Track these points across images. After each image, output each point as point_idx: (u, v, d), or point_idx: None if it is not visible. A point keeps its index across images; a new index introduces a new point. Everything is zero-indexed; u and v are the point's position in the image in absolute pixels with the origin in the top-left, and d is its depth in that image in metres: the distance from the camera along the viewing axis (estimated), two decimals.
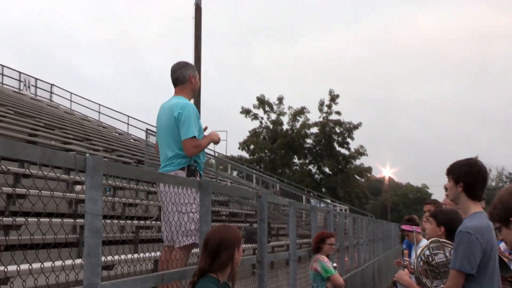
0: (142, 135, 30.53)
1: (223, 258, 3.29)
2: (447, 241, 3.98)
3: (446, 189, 5.02)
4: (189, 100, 5.38)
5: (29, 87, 32.37)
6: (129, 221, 8.58)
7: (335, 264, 7.71)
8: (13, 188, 7.28)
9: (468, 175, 3.54)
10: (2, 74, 31.26)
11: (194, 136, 5.01)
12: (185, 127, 5.03)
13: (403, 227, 8.21)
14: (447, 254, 3.89)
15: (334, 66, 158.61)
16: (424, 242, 7.62)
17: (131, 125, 35.55)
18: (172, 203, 4.76)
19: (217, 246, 3.30)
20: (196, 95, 5.51)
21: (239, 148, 52.07)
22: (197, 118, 5.13)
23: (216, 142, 5.36)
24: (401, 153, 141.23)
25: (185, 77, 5.31)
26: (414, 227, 8.06)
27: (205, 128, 5.39)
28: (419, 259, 3.97)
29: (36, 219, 2.86)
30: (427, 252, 3.94)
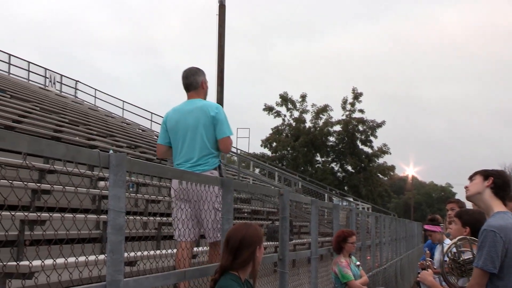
0: None
1: (245, 256, 3.30)
2: (474, 238, 3.95)
3: (466, 190, 5.00)
4: None
5: (54, 83, 32.74)
6: (151, 218, 8.63)
7: (358, 262, 7.64)
8: (38, 184, 7.37)
9: (499, 175, 3.63)
10: (29, 70, 31.67)
11: (230, 136, 5.41)
12: (223, 126, 5.36)
13: (426, 227, 8.12)
14: (475, 252, 3.87)
15: (356, 64, 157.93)
16: (447, 241, 7.58)
17: (154, 121, 35.80)
18: (208, 201, 4.81)
19: (238, 244, 3.30)
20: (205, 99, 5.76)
21: (261, 146, 52.06)
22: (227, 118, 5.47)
23: None
24: (424, 151, 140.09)
25: (198, 83, 5.54)
26: (436, 226, 7.99)
27: None
28: (445, 257, 3.94)
29: (60, 215, 2.90)
30: (454, 250, 3.92)
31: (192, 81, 5.52)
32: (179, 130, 5.42)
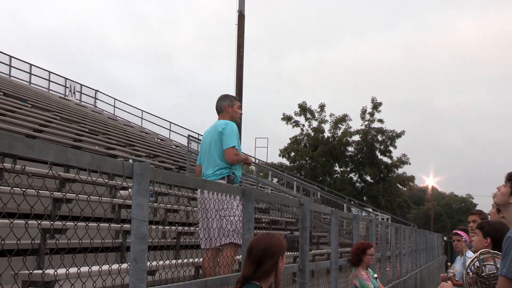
0: (183, 141, 30.85)
1: (267, 266, 3.31)
2: (497, 252, 3.90)
3: (496, 193, 4.95)
4: None
5: (74, 93, 33.08)
6: (172, 227, 8.67)
7: (375, 275, 7.60)
8: (63, 194, 7.47)
9: None
10: (49, 80, 32.04)
11: (234, 146, 5.89)
12: (227, 139, 5.93)
13: (458, 231, 7.97)
14: (498, 266, 3.81)
15: (372, 73, 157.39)
16: (469, 253, 7.51)
17: (172, 131, 35.99)
18: (216, 210, 5.30)
19: (261, 254, 3.31)
20: (237, 121, 6.36)
21: (279, 155, 51.99)
22: (237, 134, 6.00)
23: (248, 164, 6.31)
24: (445, 162, 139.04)
25: (222, 108, 6.27)
26: (467, 235, 7.87)
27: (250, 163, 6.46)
28: (468, 271, 3.89)
29: (84, 223, 2.94)
30: (477, 264, 3.85)
31: (217, 106, 6.30)
32: (201, 150, 6.26)
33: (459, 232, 7.94)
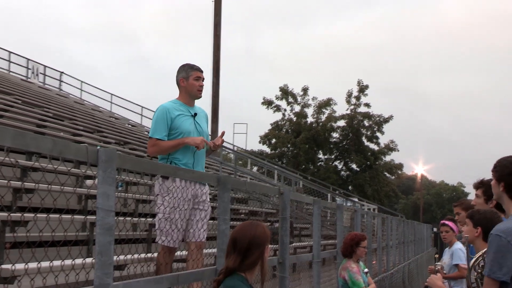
0: None
1: (254, 257, 3.34)
2: None
3: (475, 188, 4.99)
4: (190, 104, 5.75)
5: (37, 75, 32.68)
6: (142, 219, 8.64)
7: (366, 270, 7.64)
8: (22, 183, 7.39)
9: (511, 175, 3.49)
10: (9, 61, 31.62)
11: (151, 137, 5.51)
12: (150, 129, 5.64)
13: (446, 221, 8.03)
14: None
15: (355, 54, 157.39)
16: (458, 245, 7.60)
17: (144, 116, 35.77)
18: (182, 199, 5.16)
19: (247, 245, 3.34)
20: (196, 96, 5.79)
21: (259, 142, 52.13)
22: (163, 118, 5.51)
23: (192, 145, 5.55)
24: (435, 149, 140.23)
25: (177, 81, 5.75)
26: (456, 226, 7.94)
27: (223, 133, 5.81)
28: (474, 270, 3.84)
29: (45, 215, 2.91)
30: (482, 263, 3.81)
31: (176, 79, 5.79)
32: None
33: (447, 222, 8.01)
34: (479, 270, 3.77)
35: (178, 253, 5.57)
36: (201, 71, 5.79)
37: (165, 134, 5.48)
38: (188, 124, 5.59)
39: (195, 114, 5.71)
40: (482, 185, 4.85)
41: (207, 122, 5.98)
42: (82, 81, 35.29)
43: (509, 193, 3.48)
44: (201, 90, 5.78)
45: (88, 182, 10.24)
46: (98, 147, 2.85)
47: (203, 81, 5.77)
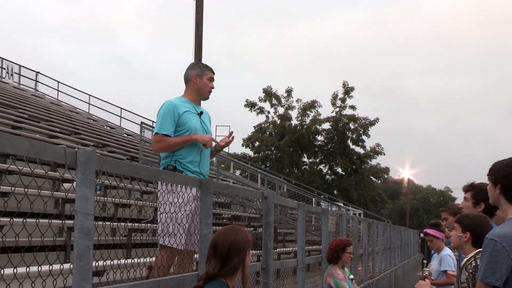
0: (136, 129, 30.63)
1: (234, 263, 3.34)
2: None
3: (465, 191, 5.03)
4: (197, 102, 5.74)
5: (12, 74, 32.44)
6: (121, 223, 8.62)
7: (352, 276, 7.67)
8: None
9: (507, 177, 3.51)
10: None
11: (157, 133, 5.40)
12: (156, 123, 5.49)
13: (429, 230, 8.11)
14: None
15: (340, 54, 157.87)
16: (446, 251, 7.65)
17: (124, 118, 35.65)
18: (170, 203, 4.93)
19: (227, 250, 3.34)
20: (205, 97, 5.79)
21: (242, 145, 52.10)
22: (170, 115, 5.42)
23: (200, 142, 5.49)
24: (422, 153, 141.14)
25: (189, 77, 5.68)
26: (439, 233, 8.02)
27: (231, 133, 5.88)
28: (465, 272, 3.86)
29: (21, 219, 2.89)
30: (474, 263, 3.84)
31: (185, 74, 5.72)
32: None
33: (428, 231, 8.09)
34: (471, 271, 3.80)
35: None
36: (214, 73, 5.76)
37: (172, 130, 5.39)
38: (195, 121, 5.53)
39: (201, 112, 5.68)
40: (471, 188, 4.87)
41: (210, 124, 5.92)
42: (58, 82, 35.11)
43: (506, 196, 3.51)
44: (211, 92, 5.77)
45: (66, 186, 10.19)
46: (76, 149, 2.84)
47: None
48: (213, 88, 5.73)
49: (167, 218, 5.03)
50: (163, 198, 5.01)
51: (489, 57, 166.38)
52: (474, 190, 4.81)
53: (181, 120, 5.44)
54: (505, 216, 3.53)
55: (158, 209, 5.18)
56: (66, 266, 3.64)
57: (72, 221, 2.80)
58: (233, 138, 5.93)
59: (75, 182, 2.85)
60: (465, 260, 3.91)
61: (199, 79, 5.64)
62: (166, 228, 5.03)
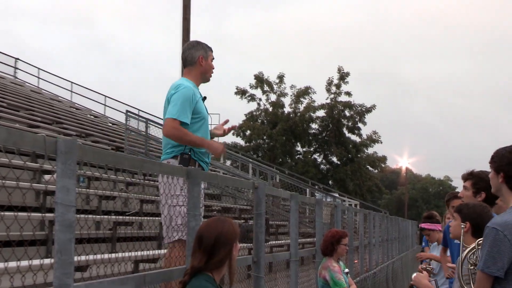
0: (121, 118, 30.54)
1: (221, 256, 3.34)
2: None
3: (464, 179, 5.03)
4: (197, 85, 5.46)
5: None
6: (105, 216, 8.61)
7: (347, 270, 7.70)
8: None
9: (510, 165, 3.55)
10: None
11: (175, 119, 5.06)
12: (171, 106, 5.11)
13: (423, 225, 8.19)
14: None
15: (333, 38, 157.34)
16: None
17: (108, 106, 35.52)
18: (166, 195, 4.85)
19: (213, 243, 3.34)
20: (208, 79, 5.55)
21: (233, 134, 52.01)
22: (190, 101, 5.15)
23: (212, 152, 5.36)
24: (420, 141, 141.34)
25: (194, 58, 5.41)
26: (435, 225, 8.08)
27: (226, 121, 5.74)
28: (467, 263, 3.86)
29: None
30: (477, 254, 3.82)
31: (187, 55, 5.45)
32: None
33: (424, 226, 8.16)
34: (473, 261, 3.79)
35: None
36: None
37: (190, 118, 5.15)
38: (204, 108, 5.38)
39: (205, 97, 5.53)
40: (471, 177, 4.87)
41: None
42: (39, 68, 34.92)
43: (509, 184, 3.53)
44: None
45: (46, 177, 10.17)
46: (57, 138, 2.83)
47: None
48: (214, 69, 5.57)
49: (175, 212, 4.91)
50: (164, 190, 4.86)
51: (488, 41, 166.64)
52: (474, 179, 4.81)
53: (197, 107, 5.24)
54: (506, 204, 3.54)
55: (161, 203, 5.02)
56: (47, 261, 3.63)
57: (53, 214, 2.79)
58: (232, 127, 5.80)
59: (55, 173, 2.83)
60: (466, 251, 3.91)
61: (205, 61, 5.44)
62: (175, 222, 4.91)
